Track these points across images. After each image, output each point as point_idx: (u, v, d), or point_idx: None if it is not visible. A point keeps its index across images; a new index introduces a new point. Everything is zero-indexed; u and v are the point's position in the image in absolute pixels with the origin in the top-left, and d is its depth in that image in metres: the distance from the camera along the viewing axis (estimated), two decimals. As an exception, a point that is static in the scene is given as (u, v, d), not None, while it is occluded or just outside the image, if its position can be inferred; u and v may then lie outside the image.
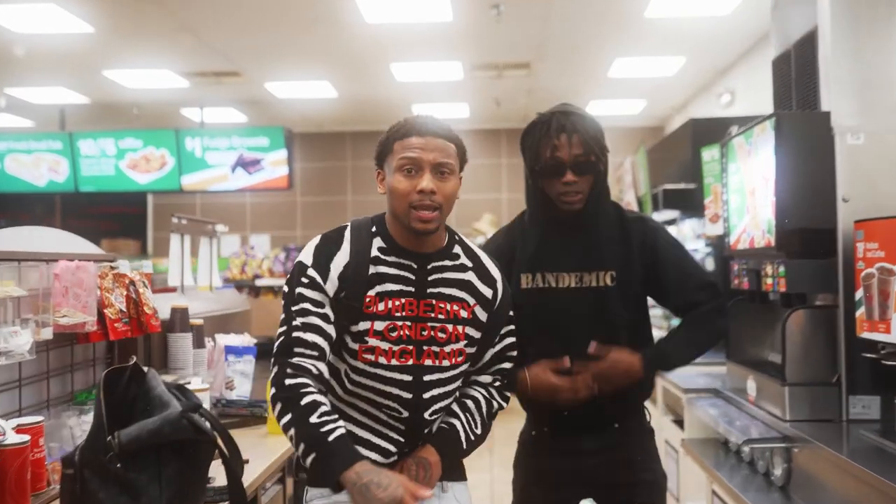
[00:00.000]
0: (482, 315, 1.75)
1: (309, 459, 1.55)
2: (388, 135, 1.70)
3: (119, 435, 1.42)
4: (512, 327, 1.83)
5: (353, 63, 6.99)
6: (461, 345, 1.71)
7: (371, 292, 1.66)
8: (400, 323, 1.66)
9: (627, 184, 6.66)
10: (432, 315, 1.69)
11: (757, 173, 2.74)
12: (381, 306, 1.66)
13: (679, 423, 3.54)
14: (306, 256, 1.70)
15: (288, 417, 1.57)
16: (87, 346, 2.38)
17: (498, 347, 1.81)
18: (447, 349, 1.70)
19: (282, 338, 1.64)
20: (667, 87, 7.89)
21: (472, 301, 1.73)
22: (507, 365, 1.83)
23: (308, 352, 1.61)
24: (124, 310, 2.32)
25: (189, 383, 2.41)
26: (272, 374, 1.63)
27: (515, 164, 9.96)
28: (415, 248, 1.71)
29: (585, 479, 1.97)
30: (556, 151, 1.88)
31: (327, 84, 7.72)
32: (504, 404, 1.84)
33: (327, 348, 1.64)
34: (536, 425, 2.10)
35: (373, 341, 1.65)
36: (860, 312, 2.26)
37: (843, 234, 2.44)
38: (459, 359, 1.72)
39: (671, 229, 4.96)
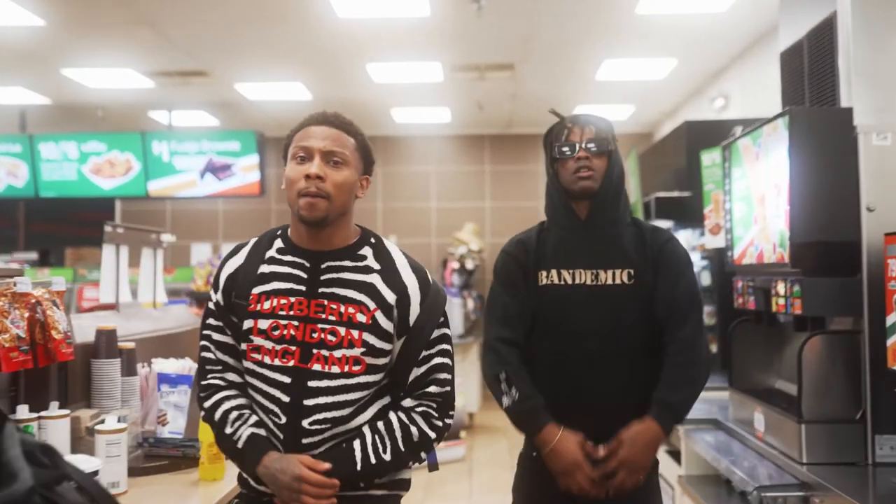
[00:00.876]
0: (385, 323, 1.65)
1: (237, 465, 1.69)
2: (291, 130, 1.71)
3: (-60, 523, 1.05)
4: (444, 348, 1.71)
5: (327, 63, 6.64)
6: (357, 352, 1.62)
7: (255, 290, 1.67)
8: (284, 322, 1.63)
9: (615, 191, 6.32)
10: (323, 316, 1.63)
11: (767, 179, 2.47)
12: (266, 304, 1.65)
13: (674, 454, 3.22)
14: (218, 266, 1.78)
15: (214, 434, 1.72)
16: (-18, 379, 2.01)
17: (422, 369, 1.68)
18: (337, 354, 1.62)
19: (199, 360, 1.76)
20: (657, 90, 7.60)
21: (371, 305, 1.64)
22: (434, 389, 1.69)
23: (214, 367, 1.73)
24: (24, 336, 1.98)
25: (103, 421, 2.06)
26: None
27: (499, 172, 9.60)
28: (310, 246, 1.69)
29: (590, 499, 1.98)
30: (570, 135, 2.04)
31: (300, 85, 7.37)
32: (431, 434, 1.68)
33: (229, 359, 1.72)
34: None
35: (258, 340, 1.65)
36: (892, 341, 1.99)
37: (869, 249, 2.19)
38: (356, 367, 1.62)
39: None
